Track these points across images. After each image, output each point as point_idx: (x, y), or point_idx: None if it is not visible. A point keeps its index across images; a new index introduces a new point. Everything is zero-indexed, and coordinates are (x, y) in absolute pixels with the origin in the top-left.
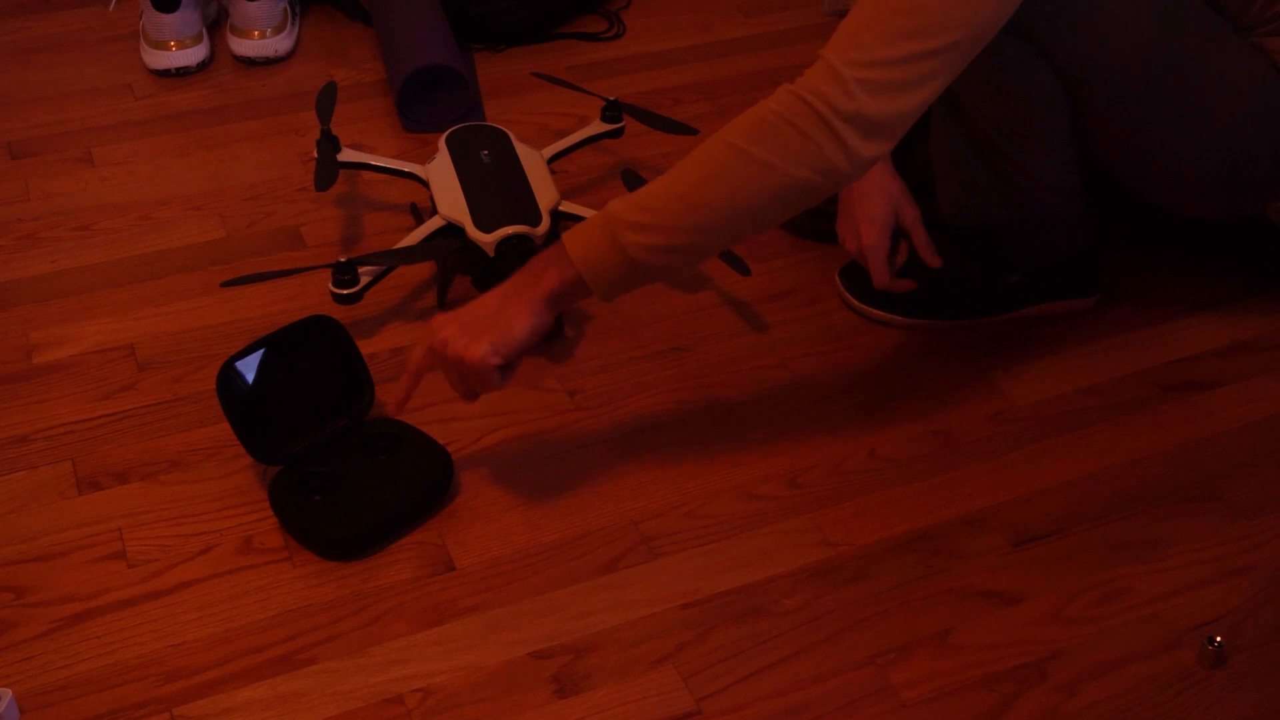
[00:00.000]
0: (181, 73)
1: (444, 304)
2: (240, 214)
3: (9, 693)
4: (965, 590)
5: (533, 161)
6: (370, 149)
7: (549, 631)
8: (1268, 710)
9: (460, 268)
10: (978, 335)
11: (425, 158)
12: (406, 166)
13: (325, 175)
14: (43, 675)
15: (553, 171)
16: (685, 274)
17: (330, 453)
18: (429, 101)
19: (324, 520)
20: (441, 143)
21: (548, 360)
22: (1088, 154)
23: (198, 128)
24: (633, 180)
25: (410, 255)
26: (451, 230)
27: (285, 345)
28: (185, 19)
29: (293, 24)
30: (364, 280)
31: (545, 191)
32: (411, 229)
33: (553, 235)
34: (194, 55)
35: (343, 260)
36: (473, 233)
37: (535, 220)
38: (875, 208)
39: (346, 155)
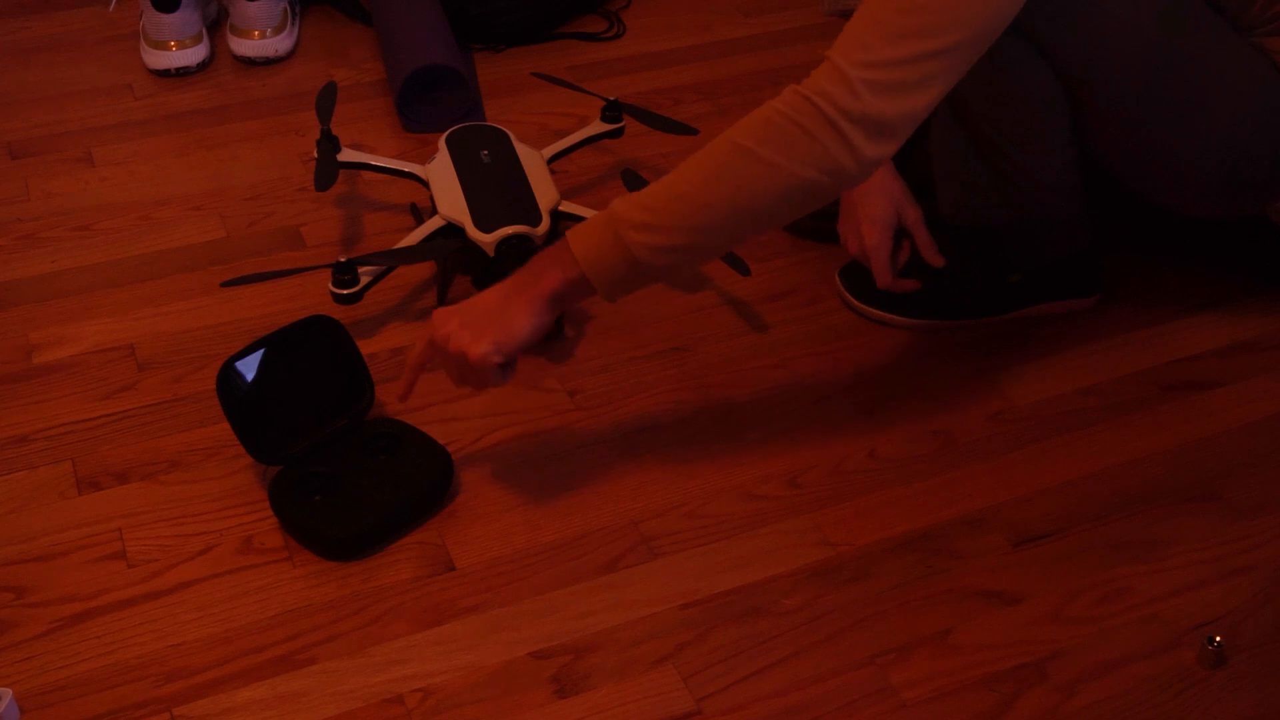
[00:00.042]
0: (181, 73)
1: (444, 304)
2: (240, 214)
3: (9, 693)
4: (965, 590)
5: (533, 161)
6: (370, 149)
7: (549, 631)
8: (1268, 710)
9: (460, 268)
10: (978, 335)
11: (425, 158)
12: (406, 166)
13: (325, 175)
14: (43, 675)
15: (553, 171)
16: (688, 274)
17: (330, 453)
18: (429, 101)
19: (324, 520)
20: (441, 143)
21: (548, 360)
22: (1088, 154)
23: (198, 128)
24: (633, 180)
25: (410, 255)
26: (451, 230)
27: (285, 345)
28: (185, 19)
29: (293, 24)
30: (364, 280)
31: (545, 191)
32: (411, 229)
33: (553, 235)
34: (194, 55)
35: (343, 260)
36: (473, 233)
37: (535, 220)
38: (877, 208)
39: (346, 155)
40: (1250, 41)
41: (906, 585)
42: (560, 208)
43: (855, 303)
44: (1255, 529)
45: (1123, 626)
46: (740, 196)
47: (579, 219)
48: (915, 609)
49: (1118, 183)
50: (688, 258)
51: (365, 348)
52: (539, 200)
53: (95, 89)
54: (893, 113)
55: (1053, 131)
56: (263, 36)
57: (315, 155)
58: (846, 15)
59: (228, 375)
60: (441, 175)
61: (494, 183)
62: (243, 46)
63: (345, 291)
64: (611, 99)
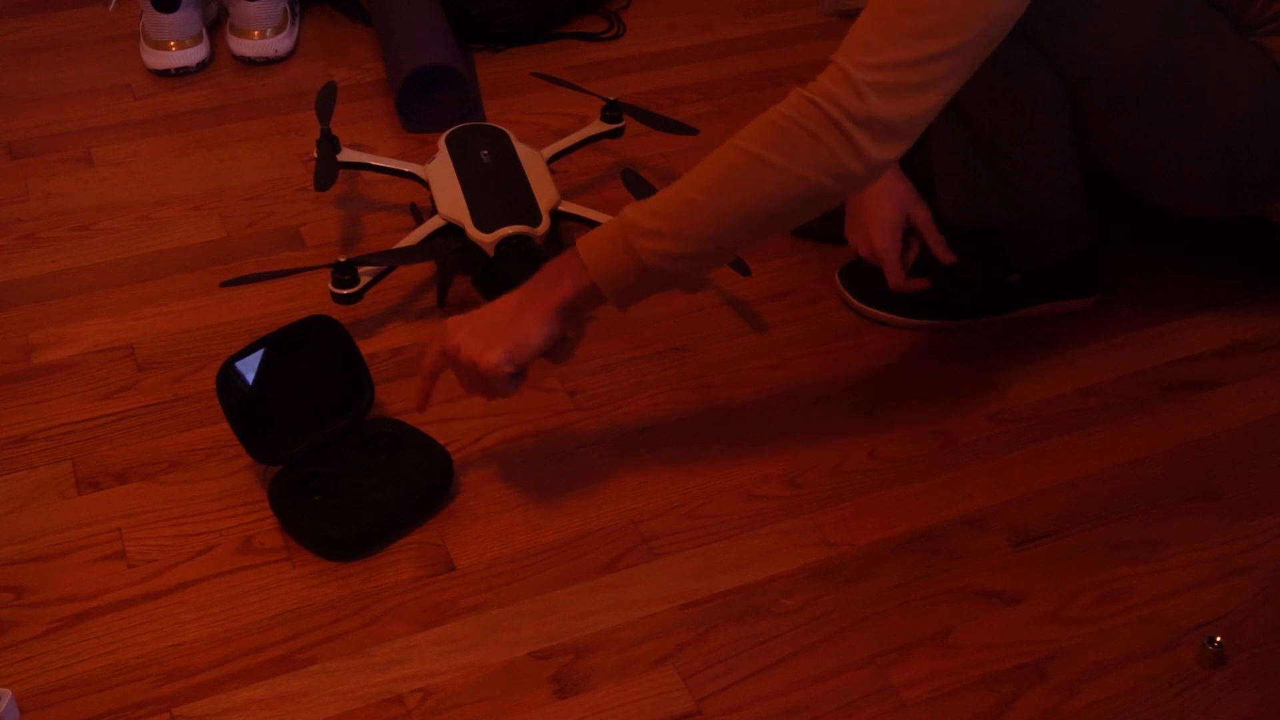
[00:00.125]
0: (181, 73)
1: (444, 304)
2: (240, 214)
3: (9, 693)
4: (965, 590)
5: (533, 161)
6: (370, 149)
7: (549, 631)
8: (1268, 710)
9: (460, 268)
10: (978, 335)
11: (425, 158)
12: (406, 166)
13: (325, 175)
14: (43, 675)
15: (553, 171)
16: (699, 280)
17: (330, 453)
18: (429, 101)
19: (324, 520)
20: (441, 143)
21: (548, 360)
22: (1088, 154)
23: (198, 128)
24: (633, 180)
25: (410, 255)
26: (451, 230)
27: (285, 345)
28: (185, 19)
29: (292, 24)
30: (364, 280)
31: (545, 191)
32: (411, 229)
33: (553, 235)
34: (194, 55)
35: (343, 260)
36: (472, 233)
37: (535, 220)
38: (884, 211)
39: (346, 155)
40: (1251, 41)
41: (906, 585)
42: (560, 208)
43: (855, 303)
44: (1255, 529)
45: (1123, 626)
46: (749, 202)
47: (579, 219)
48: (915, 609)
49: (1118, 183)
50: (698, 264)
51: (365, 348)
52: (539, 200)
53: (95, 89)
54: (898, 115)
55: (1053, 131)
56: (263, 36)
57: (315, 155)
58: (846, 15)
59: (228, 375)
60: (441, 175)
61: (494, 183)
62: (243, 46)
63: (345, 291)
64: (611, 99)
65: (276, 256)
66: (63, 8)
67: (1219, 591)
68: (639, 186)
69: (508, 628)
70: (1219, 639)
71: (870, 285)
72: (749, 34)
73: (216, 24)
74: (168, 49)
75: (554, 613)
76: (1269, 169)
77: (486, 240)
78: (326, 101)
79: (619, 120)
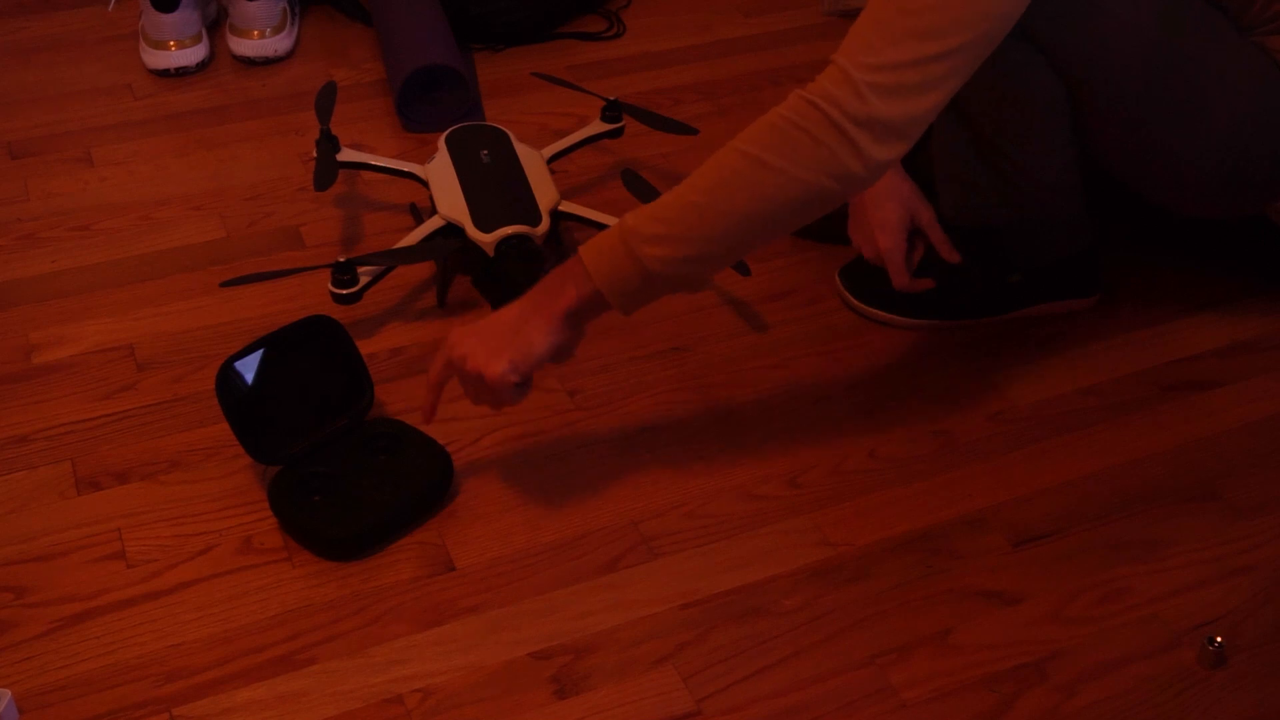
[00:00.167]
0: (181, 73)
1: (444, 304)
2: (240, 214)
3: (9, 693)
4: (965, 590)
5: (532, 161)
6: (370, 149)
7: (549, 631)
8: (1268, 710)
9: (460, 268)
10: (978, 335)
11: (425, 158)
12: (406, 166)
13: (325, 175)
14: (43, 675)
15: (552, 171)
16: (702, 283)
17: (330, 453)
18: (429, 101)
19: (324, 520)
20: (441, 143)
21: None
22: (1088, 154)
23: (198, 128)
24: (633, 180)
25: (410, 255)
26: (451, 230)
27: (285, 345)
28: (185, 19)
29: (292, 24)
30: (363, 280)
31: (545, 191)
32: (411, 229)
33: (552, 235)
34: (193, 55)
35: (342, 260)
36: (472, 233)
37: (535, 220)
38: (888, 212)
39: (346, 155)
40: (1251, 41)
41: (906, 585)
42: (560, 208)
43: (855, 303)
44: (1255, 529)
45: (1123, 626)
46: (751, 205)
47: (579, 219)
48: (915, 609)
49: (1118, 183)
50: (701, 268)
51: (365, 348)
52: (539, 200)
53: (95, 89)
54: (899, 115)
55: (1053, 131)
56: (262, 36)
57: (315, 155)
58: (846, 15)
59: (227, 375)
60: (441, 175)
61: (494, 183)
62: (242, 46)
63: (345, 291)
64: (611, 99)
65: (276, 256)
66: (63, 8)
67: (1219, 591)
68: (639, 186)
69: (508, 628)
70: (1219, 639)
71: (870, 285)
72: (749, 34)
73: (216, 24)
74: (167, 49)
75: (554, 613)
76: (1269, 169)
77: (486, 240)
78: (326, 101)
79: (619, 120)
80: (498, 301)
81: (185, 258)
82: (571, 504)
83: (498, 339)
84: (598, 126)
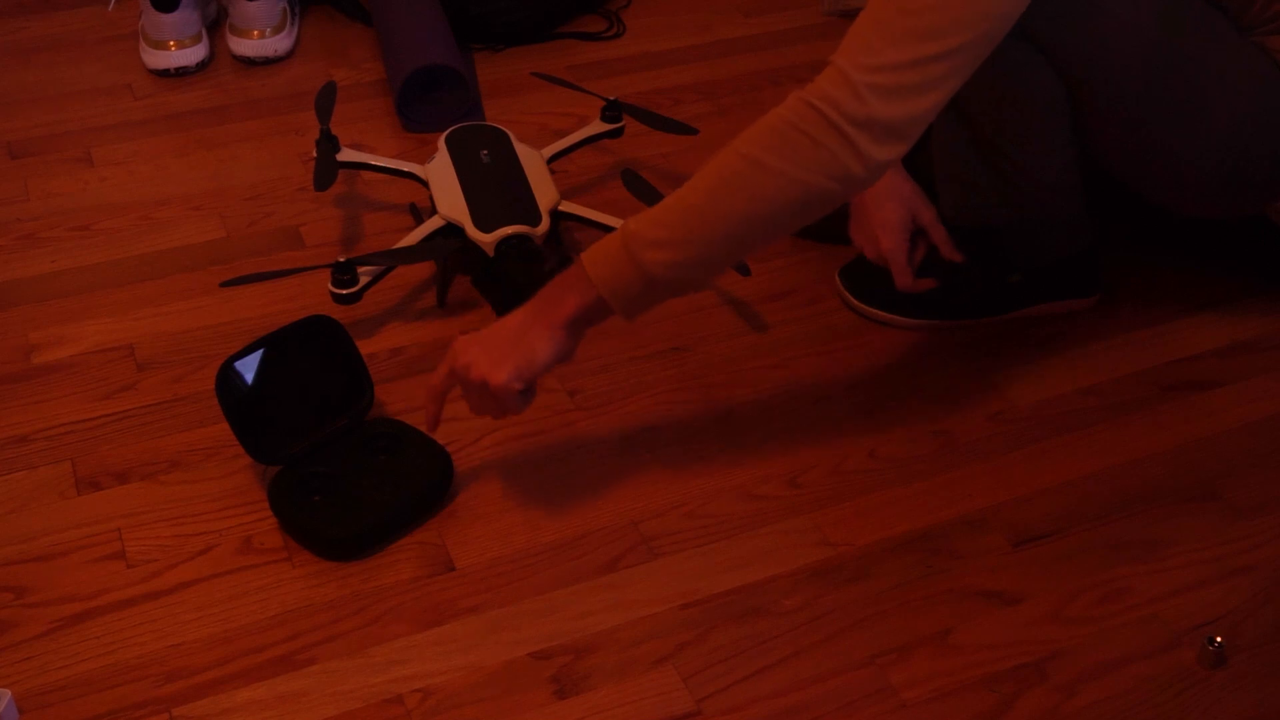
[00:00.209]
0: (181, 73)
1: (444, 304)
2: (240, 214)
3: (9, 693)
4: (965, 590)
5: (532, 161)
6: (370, 149)
7: (549, 631)
8: (1268, 710)
9: (460, 268)
10: (978, 335)
11: (425, 158)
12: (406, 166)
13: (324, 175)
14: (43, 675)
15: (552, 171)
16: (705, 286)
17: (330, 453)
18: (429, 101)
19: (324, 520)
20: (441, 142)
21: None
22: (1088, 154)
23: (198, 128)
24: (633, 180)
25: (410, 255)
26: (451, 230)
27: (285, 345)
28: (185, 19)
29: (292, 24)
30: (363, 280)
31: (545, 191)
32: (411, 229)
33: (552, 235)
34: (193, 55)
35: (342, 260)
36: (472, 232)
37: (535, 220)
38: (890, 213)
39: (346, 155)
40: (1251, 41)
41: (906, 585)
42: (560, 208)
43: (855, 303)
44: (1255, 529)
45: (1123, 626)
46: (752, 207)
47: (578, 219)
48: (915, 609)
49: (1118, 183)
50: (703, 271)
51: (365, 348)
52: (539, 200)
53: (95, 89)
54: (899, 116)
55: (1053, 131)
56: (262, 36)
57: (315, 155)
58: (846, 15)
59: (227, 375)
60: (441, 175)
61: (494, 183)
62: (242, 46)
63: (345, 291)
64: (611, 99)
65: (276, 256)
66: (63, 8)
67: (1219, 591)
68: (639, 187)
69: (508, 628)
70: (1219, 639)
71: (870, 285)
72: (749, 34)
73: (216, 24)
74: (167, 49)
75: (554, 613)
76: (1269, 169)
77: (486, 240)
78: (326, 101)
79: (619, 120)
80: (498, 301)
81: (185, 258)
82: (571, 504)
83: (501, 347)
84: (598, 126)
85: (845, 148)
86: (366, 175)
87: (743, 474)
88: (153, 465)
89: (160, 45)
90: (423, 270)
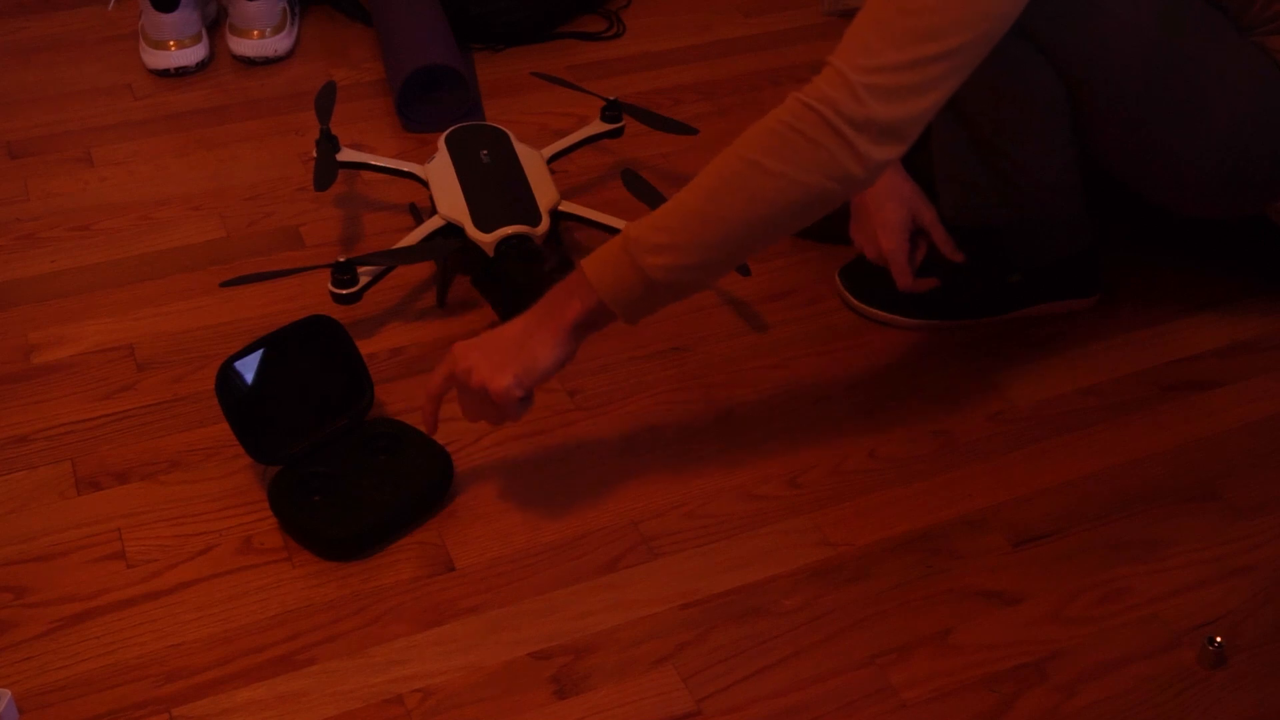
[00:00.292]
0: (181, 73)
1: (444, 304)
2: (240, 214)
3: (9, 693)
4: (965, 590)
5: (532, 161)
6: (370, 149)
7: (549, 631)
8: (1268, 710)
9: (460, 268)
10: (978, 335)
11: (425, 158)
12: (406, 166)
13: (324, 175)
14: (42, 675)
15: (552, 171)
16: (707, 288)
17: (330, 453)
18: (429, 101)
19: (324, 520)
20: (441, 142)
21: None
22: (1088, 154)
23: (197, 128)
24: (633, 180)
25: (410, 255)
26: (451, 230)
27: (285, 345)
28: (184, 19)
29: (292, 24)
30: (363, 280)
31: (545, 191)
32: (411, 229)
33: (552, 235)
34: (193, 55)
35: (342, 260)
36: (472, 232)
37: (535, 220)
38: (890, 213)
39: (346, 155)
40: (1251, 41)
41: (906, 585)
42: (560, 208)
43: (855, 303)
44: (1255, 529)
45: (1123, 626)
46: (752, 210)
47: (578, 219)
48: (915, 609)
49: (1118, 183)
50: (704, 274)
51: (365, 348)
52: (538, 200)
53: (95, 89)
54: (898, 116)
55: (1053, 131)
56: (262, 36)
57: (315, 155)
58: (846, 15)
59: (227, 375)
60: (441, 175)
61: (493, 183)
62: (242, 46)
63: (345, 291)
64: (611, 99)
65: (276, 256)
66: (63, 8)
67: (1219, 591)
68: (639, 187)
69: (508, 628)
70: (1219, 639)
71: (870, 285)
72: (749, 34)
73: (216, 24)
74: (167, 49)
75: (554, 613)
76: (1269, 169)
77: (486, 240)
78: (326, 101)
79: (619, 120)
80: (498, 301)
81: (185, 258)
82: (571, 504)
83: (503, 353)
84: (598, 126)
85: (844, 149)
86: (366, 175)
87: (743, 474)
88: (153, 465)
89: (160, 45)
90: (423, 270)
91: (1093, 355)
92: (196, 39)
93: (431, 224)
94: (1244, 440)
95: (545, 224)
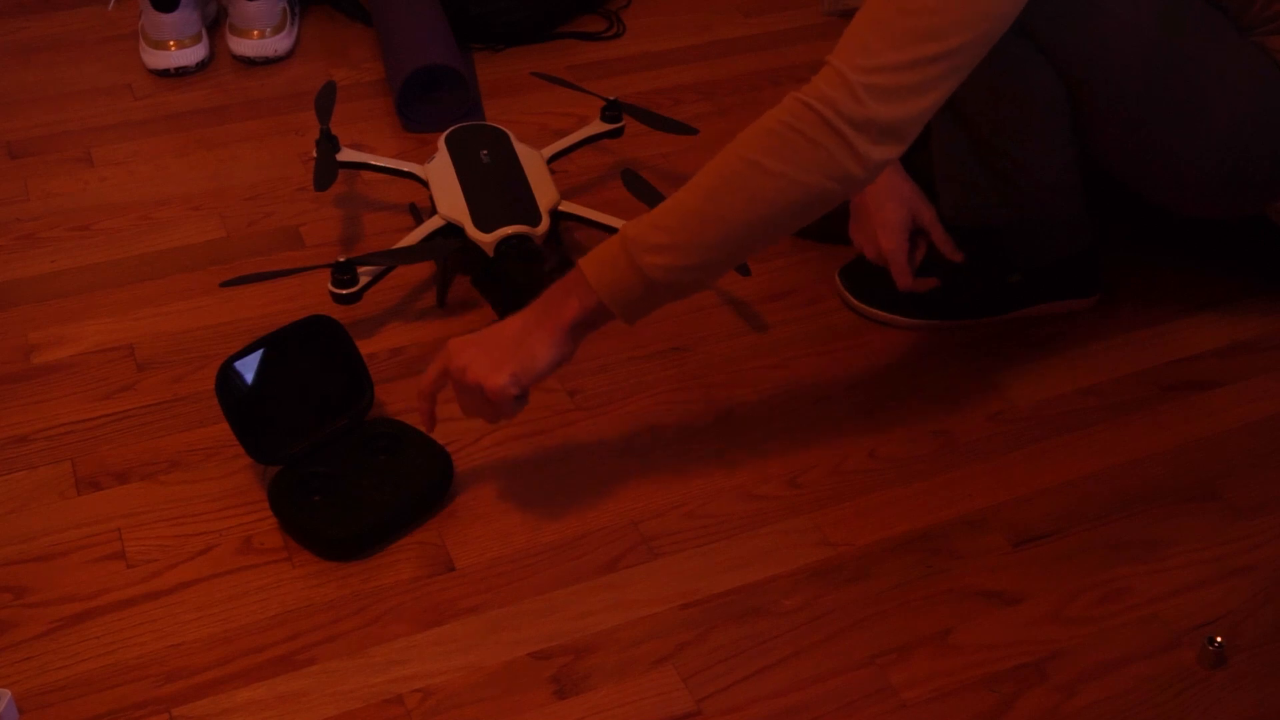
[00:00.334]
0: (181, 72)
1: (444, 304)
2: (240, 214)
3: (9, 693)
4: (965, 590)
5: (532, 161)
6: (370, 149)
7: (549, 631)
8: (1268, 710)
9: (460, 268)
10: (978, 335)
11: (425, 157)
12: (406, 166)
13: (324, 175)
14: (42, 675)
15: (552, 171)
16: (706, 288)
17: (330, 453)
18: (429, 101)
19: (324, 520)
20: (441, 142)
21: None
22: (1088, 154)
23: (197, 128)
24: (633, 180)
25: (410, 255)
26: (451, 230)
27: (285, 345)
28: (184, 19)
29: (292, 23)
30: (363, 280)
31: (545, 191)
32: (411, 229)
33: (552, 235)
34: (193, 55)
35: (342, 260)
36: (472, 232)
37: (535, 220)
38: (890, 213)
39: (346, 155)
40: (1251, 41)
41: (906, 585)
42: (560, 208)
43: (855, 303)
44: (1255, 529)
45: (1123, 626)
46: (751, 210)
47: (578, 219)
48: (915, 609)
49: (1118, 183)
50: (704, 274)
51: (365, 348)
52: (538, 200)
53: (95, 89)
54: (897, 116)
55: (1053, 131)
56: (262, 36)
57: (315, 155)
58: (846, 15)
59: (227, 375)
60: (441, 175)
61: (493, 183)
62: (242, 46)
63: (345, 291)
64: (611, 99)
65: (276, 256)
66: (63, 8)
67: (1219, 591)
68: (639, 186)
69: (508, 628)
70: (1219, 639)
71: (870, 285)
72: (749, 34)
73: (216, 24)
74: (167, 49)
75: (554, 613)
76: (1269, 169)
77: (486, 240)
78: (326, 101)
79: (619, 120)
80: (498, 301)
81: (185, 258)
82: (571, 504)
83: (500, 350)
84: (598, 126)
85: (843, 148)
86: (366, 175)
87: (743, 474)
88: (153, 465)
89: (160, 45)
90: (423, 270)
91: (1093, 355)
92: (196, 39)
93: (431, 224)
94: (1244, 440)
95: (545, 224)
